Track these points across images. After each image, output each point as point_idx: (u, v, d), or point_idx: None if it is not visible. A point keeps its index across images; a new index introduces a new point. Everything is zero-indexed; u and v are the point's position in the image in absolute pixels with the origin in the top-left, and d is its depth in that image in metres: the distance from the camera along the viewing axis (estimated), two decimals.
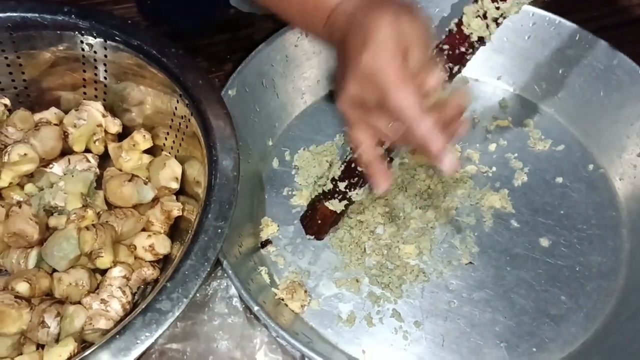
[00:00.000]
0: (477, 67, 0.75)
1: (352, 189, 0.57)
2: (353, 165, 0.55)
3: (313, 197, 0.64)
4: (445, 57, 0.48)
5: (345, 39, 0.49)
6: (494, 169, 0.71)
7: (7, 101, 0.63)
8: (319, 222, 0.62)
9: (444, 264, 0.64)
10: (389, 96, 0.45)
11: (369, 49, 0.45)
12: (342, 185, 0.57)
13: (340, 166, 0.58)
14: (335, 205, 0.59)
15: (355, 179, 0.56)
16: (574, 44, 0.73)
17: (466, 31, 0.46)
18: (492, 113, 0.77)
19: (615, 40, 0.72)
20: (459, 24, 0.47)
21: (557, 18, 0.74)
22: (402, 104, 0.44)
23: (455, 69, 0.49)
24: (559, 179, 0.71)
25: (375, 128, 0.49)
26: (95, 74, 0.64)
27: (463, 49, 0.47)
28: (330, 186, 0.59)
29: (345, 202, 0.59)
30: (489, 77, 0.78)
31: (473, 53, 0.48)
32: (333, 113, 0.75)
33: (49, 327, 0.50)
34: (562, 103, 0.76)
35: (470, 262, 0.64)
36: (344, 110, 0.50)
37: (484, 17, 0.45)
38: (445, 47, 0.48)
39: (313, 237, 0.64)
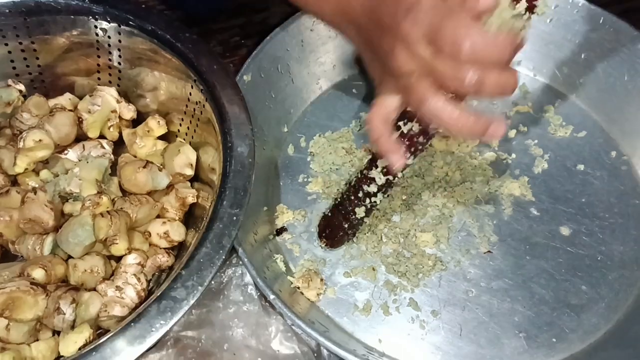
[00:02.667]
0: None
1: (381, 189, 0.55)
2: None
3: (330, 206, 0.63)
4: None
5: (371, 10, 0.47)
6: (513, 155, 0.70)
7: (22, 87, 0.63)
8: (336, 232, 0.61)
9: (462, 252, 0.63)
10: (443, 29, 0.41)
11: (406, 5, 0.43)
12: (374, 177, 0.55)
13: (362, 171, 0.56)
14: (360, 212, 0.58)
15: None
16: (598, 27, 0.71)
17: None
18: (512, 99, 0.75)
19: None
20: None
21: (581, 1, 0.72)
22: (457, 31, 0.41)
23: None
24: (580, 166, 0.69)
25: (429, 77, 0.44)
26: (110, 60, 0.63)
27: None
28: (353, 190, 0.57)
29: (368, 204, 0.57)
30: None
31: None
32: (349, 99, 0.74)
33: (64, 314, 0.50)
34: (584, 88, 0.74)
35: (489, 251, 0.63)
36: (402, 73, 0.46)
37: None
38: None
39: (327, 246, 0.62)
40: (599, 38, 0.71)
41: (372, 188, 0.55)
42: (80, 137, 0.62)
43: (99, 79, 0.65)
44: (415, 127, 0.49)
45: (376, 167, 0.54)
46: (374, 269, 0.61)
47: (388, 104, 0.49)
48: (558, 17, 0.73)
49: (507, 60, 0.43)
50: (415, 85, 0.45)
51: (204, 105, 0.58)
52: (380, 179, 0.54)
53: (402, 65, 0.45)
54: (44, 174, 0.59)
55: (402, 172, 0.54)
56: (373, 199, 0.56)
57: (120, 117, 0.64)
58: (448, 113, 0.45)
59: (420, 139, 0.50)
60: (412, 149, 0.50)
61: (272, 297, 0.52)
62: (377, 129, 0.49)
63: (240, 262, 0.55)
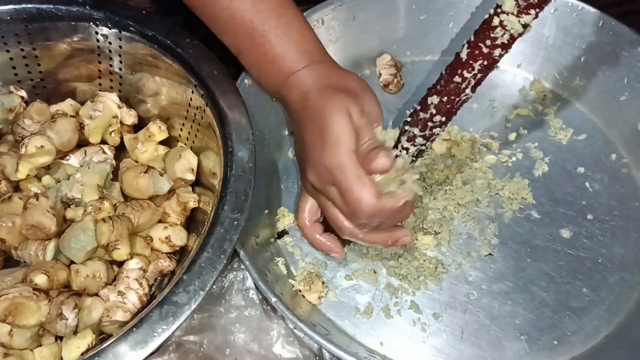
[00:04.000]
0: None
1: None
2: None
3: None
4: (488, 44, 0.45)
5: (301, 120, 0.53)
6: (513, 158, 0.70)
7: (23, 93, 0.63)
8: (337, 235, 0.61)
9: (463, 255, 0.63)
10: (348, 193, 0.49)
11: (325, 148, 0.50)
12: None
13: None
14: None
15: None
16: (597, 30, 0.71)
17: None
18: (512, 101, 0.75)
19: None
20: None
21: (580, 4, 0.72)
22: (360, 200, 0.49)
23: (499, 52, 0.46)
24: (581, 169, 0.69)
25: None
26: (111, 65, 0.64)
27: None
28: None
29: None
30: (509, 65, 0.77)
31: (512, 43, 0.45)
32: None
33: (67, 319, 0.50)
34: (583, 91, 0.74)
35: (490, 254, 0.63)
36: (314, 185, 0.54)
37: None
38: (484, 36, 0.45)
39: None
40: (599, 41, 0.71)
41: None
42: (82, 143, 0.62)
43: (100, 84, 0.65)
44: (416, 131, 0.50)
45: None
46: (375, 272, 0.61)
47: (309, 208, 0.57)
48: (557, 20, 0.73)
49: (400, 217, 0.53)
50: (330, 211, 0.53)
51: (204, 110, 0.58)
52: None
53: (316, 186, 0.53)
54: (46, 180, 0.59)
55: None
56: None
57: (121, 123, 0.64)
58: (359, 239, 0.55)
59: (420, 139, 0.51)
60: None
61: (273, 300, 0.52)
62: (311, 233, 0.58)
63: (242, 267, 0.56)
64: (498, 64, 0.47)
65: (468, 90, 0.48)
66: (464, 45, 0.46)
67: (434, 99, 0.49)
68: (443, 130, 0.51)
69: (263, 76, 0.59)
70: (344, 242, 0.61)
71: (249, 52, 0.58)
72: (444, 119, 0.50)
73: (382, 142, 0.51)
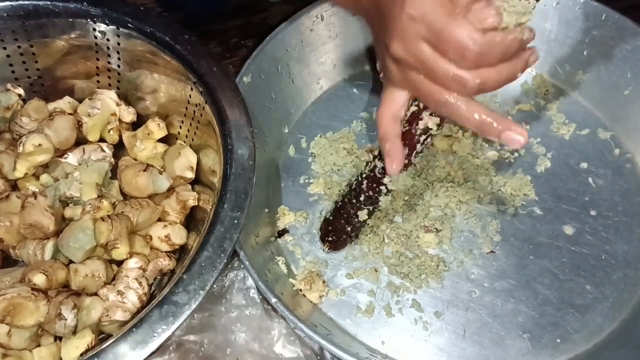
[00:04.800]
0: None
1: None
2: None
3: (331, 209, 0.63)
4: None
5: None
6: (515, 154, 0.69)
7: (21, 91, 0.62)
8: (338, 235, 0.61)
9: (465, 253, 0.62)
10: (444, 34, 0.40)
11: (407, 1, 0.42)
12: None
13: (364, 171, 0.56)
14: (362, 215, 0.57)
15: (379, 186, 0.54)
16: (600, 24, 0.70)
17: None
18: (514, 97, 0.74)
19: None
20: None
21: None
22: (462, 35, 0.40)
23: None
24: (584, 165, 0.69)
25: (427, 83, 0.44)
26: (109, 62, 0.63)
27: None
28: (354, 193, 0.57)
29: (371, 207, 0.57)
30: None
31: None
32: (350, 99, 0.73)
33: (66, 319, 0.49)
34: (586, 86, 0.74)
35: (492, 251, 0.63)
36: (399, 61, 0.45)
37: None
38: None
39: (330, 249, 0.62)
40: (601, 35, 0.71)
41: (381, 196, 0.54)
42: (80, 141, 0.62)
43: (98, 81, 0.65)
44: (421, 124, 0.48)
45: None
46: (376, 270, 0.61)
47: (397, 100, 0.48)
48: (560, 14, 0.72)
49: (512, 55, 0.42)
50: (424, 85, 0.44)
51: (203, 108, 0.57)
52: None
53: (402, 58, 0.44)
54: (44, 178, 0.58)
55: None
56: (378, 198, 0.55)
57: (120, 120, 0.64)
58: (465, 112, 0.44)
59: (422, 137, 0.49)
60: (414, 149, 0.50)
61: (274, 300, 0.52)
62: (386, 127, 0.49)
63: (242, 266, 0.55)
64: None
65: None
66: None
67: None
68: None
69: None
70: (345, 243, 0.61)
71: None
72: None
73: None
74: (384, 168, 0.50)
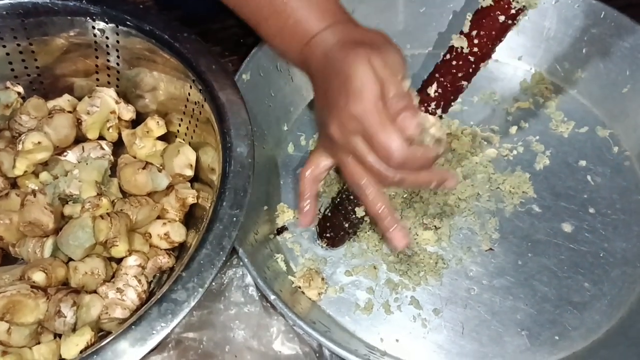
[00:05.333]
0: (497, 47, 0.73)
1: None
2: None
3: (330, 206, 0.63)
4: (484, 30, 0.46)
5: (323, 76, 0.51)
6: (514, 152, 0.69)
7: (20, 89, 0.62)
8: (337, 232, 0.61)
9: (464, 250, 0.62)
10: (376, 138, 0.47)
11: (349, 96, 0.47)
12: None
13: None
14: (359, 211, 0.57)
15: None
16: (599, 22, 0.70)
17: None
18: (513, 95, 0.74)
19: None
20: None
21: None
22: (390, 145, 0.47)
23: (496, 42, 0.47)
24: (582, 162, 0.69)
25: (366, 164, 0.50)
26: (108, 60, 0.63)
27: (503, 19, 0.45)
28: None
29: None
30: (510, 57, 0.76)
31: (514, 24, 0.46)
32: None
33: (65, 317, 0.50)
34: (585, 84, 0.74)
35: (491, 249, 0.63)
36: (334, 140, 0.51)
37: None
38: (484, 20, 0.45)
39: (328, 246, 0.62)
40: (600, 33, 0.71)
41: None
42: (80, 139, 0.62)
43: (97, 79, 0.65)
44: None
45: None
46: (375, 268, 0.61)
47: (322, 165, 0.55)
48: (559, 12, 0.72)
49: (429, 166, 0.50)
50: (350, 165, 0.51)
51: (203, 106, 0.58)
52: None
53: (337, 140, 0.50)
54: (44, 176, 0.59)
55: None
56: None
57: (119, 118, 0.64)
58: (372, 198, 0.51)
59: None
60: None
61: (272, 297, 0.52)
62: (306, 186, 0.55)
63: (241, 263, 0.55)
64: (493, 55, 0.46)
65: (464, 81, 0.48)
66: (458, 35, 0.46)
67: (430, 90, 0.49)
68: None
69: (285, 43, 0.57)
70: (344, 240, 0.61)
71: (269, 20, 0.56)
72: (440, 110, 0.50)
73: (407, 97, 0.49)
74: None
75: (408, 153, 0.47)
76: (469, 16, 0.47)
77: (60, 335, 0.51)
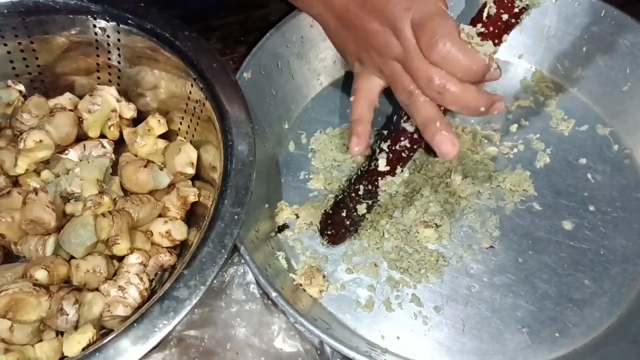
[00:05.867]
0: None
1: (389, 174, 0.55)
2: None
3: (331, 203, 0.63)
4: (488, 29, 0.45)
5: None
6: (515, 150, 0.70)
7: (21, 87, 0.63)
8: (338, 229, 0.61)
9: (464, 248, 0.63)
10: (424, 24, 0.44)
11: (374, 9, 0.45)
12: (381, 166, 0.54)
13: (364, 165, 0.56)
14: (361, 209, 0.58)
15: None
16: (599, 20, 0.71)
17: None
18: (513, 93, 0.75)
19: None
20: None
21: None
22: (437, 27, 0.43)
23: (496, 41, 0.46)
24: (583, 160, 0.69)
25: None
26: (109, 59, 0.63)
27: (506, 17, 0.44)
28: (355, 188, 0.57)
29: (370, 201, 0.57)
30: (510, 55, 0.76)
31: (517, 23, 0.45)
32: (350, 95, 0.73)
33: (67, 315, 0.50)
34: (585, 82, 0.74)
35: (491, 246, 0.63)
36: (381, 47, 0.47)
37: None
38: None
39: (329, 243, 0.62)
40: (601, 31, 0.71)
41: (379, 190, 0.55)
42: (81, 137, 0.62)
43: (98, 78, 0.65)
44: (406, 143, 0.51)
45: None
46: (376, 265, 0.61)
47: (373, 89, 0.51)
48: (559, 10, 0.72)
49: (474, 78, 0.45)
50: (398, 73, 0.47)
51: (204, 104, 0.58)
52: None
53: (388, 48, 0.46)
54: (45, 174, 0.59)
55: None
56: (377, 192, 0.56)
57: (120, 117, 0.64)
58: (420, 106, 0.47)
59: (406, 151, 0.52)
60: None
61: (274, 294, 0.52)
62: (362, 113, 0.52)
63: (242, 261, 0.55)
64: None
65: None
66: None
67: None
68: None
69: None
70: (345, 237, 0.61)
71: None
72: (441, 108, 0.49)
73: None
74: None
75: (455, 45, 0.43)
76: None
77: (62, 333, 0.51)
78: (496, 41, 0.45)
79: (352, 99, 0.53)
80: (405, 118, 0.50)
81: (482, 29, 0.44)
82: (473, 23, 0.45)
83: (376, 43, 0.47)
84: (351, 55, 0.53)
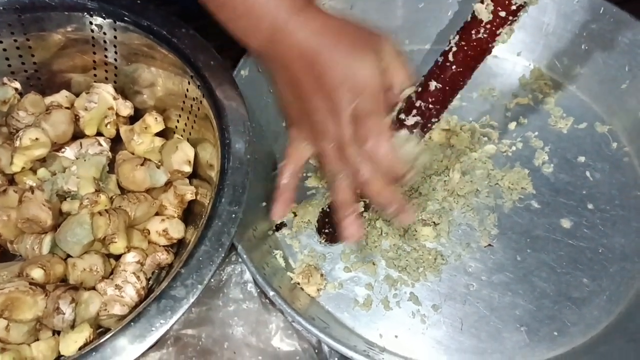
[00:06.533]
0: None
1: None
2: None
3: (329, 202, 0.62)
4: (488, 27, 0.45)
5: (293, 66, 0.49)
6: (513, 148, 0.69)
7: (17, 85, 0.62)
8: (335, 228, 0.60)
9: (463, 246, 0.62)
10: (369, 126, 0.47)
11: (323, 90, 0.47)
12: None
13: None
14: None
15: None
16: (598, 17, 0.70)
17: None
18: (512, 90, 0.74)
19: None
20: None
21: None
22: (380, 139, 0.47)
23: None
24: (582, 158, 0.69)
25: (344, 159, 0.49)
26: (106, 56, 0.63)
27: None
28: None
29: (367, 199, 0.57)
30: (509, 53, 0.76)
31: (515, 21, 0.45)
32: None
33: (64, 314, 0.50)
34: (584, 80, 0.74)
35: (490, 245, 0.63)
36: (318, 128, 0.50)
37: None
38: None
39: (327, 242, 0.62)
40: (600, 29, 0.71)
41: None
42: (77, 135, 0.62)
43: (95, 75, 0.65)
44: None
45: None
46: (374, 264, 0.61)
47: (303, 156, 0.54)
48: (558, 7, 0.72)
49: (391, 179, 0.49)
50: (331, 159, 0.50)
51: (201, 102, 0.57)
52: None
53: (326, 129, 0.49)
54: (42, 172, 0.58)
55: None
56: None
57: (117, 114, 0.63)
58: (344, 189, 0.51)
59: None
60: None
61: (271, 293, 0.52)
62: (287, 179, 0.54)
63: (240, 260, 0.55)
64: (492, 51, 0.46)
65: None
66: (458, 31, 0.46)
67: (430, 86, 0.48)
68: (439, 120, 0.51)
69: (247, 28, 0.54)
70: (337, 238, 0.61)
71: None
72: (439, 106, 0.49)
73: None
74: None
75: (387, 146, 0.47)
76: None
77: (58, 332, 0.51)
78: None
79: (281, 164, 0.55)
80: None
81: (416, 118, 0.48)
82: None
83: (317, 120, 0.50)
84: (291, 119, 0.55)
